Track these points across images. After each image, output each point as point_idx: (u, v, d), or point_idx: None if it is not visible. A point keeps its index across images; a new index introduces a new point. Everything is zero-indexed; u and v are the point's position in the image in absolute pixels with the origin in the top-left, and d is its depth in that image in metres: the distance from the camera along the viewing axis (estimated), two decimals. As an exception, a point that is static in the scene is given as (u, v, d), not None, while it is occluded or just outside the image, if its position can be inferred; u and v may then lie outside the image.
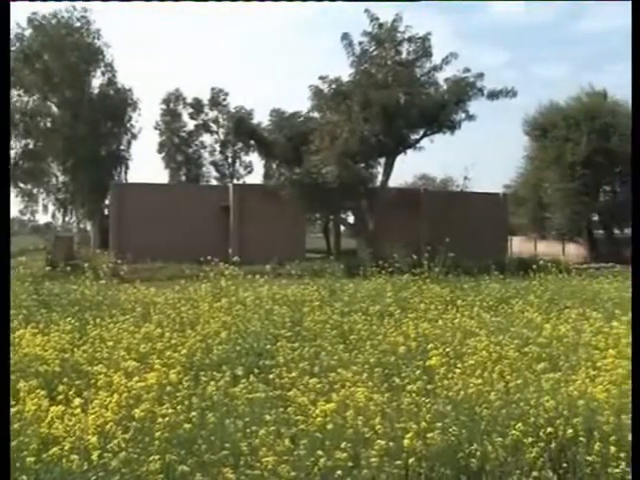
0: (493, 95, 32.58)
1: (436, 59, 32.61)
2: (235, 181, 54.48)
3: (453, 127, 33.10)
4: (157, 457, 5.45)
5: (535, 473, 5.65)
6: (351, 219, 38.44)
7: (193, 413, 6.30)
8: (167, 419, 6.07)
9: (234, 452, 5.67)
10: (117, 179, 48.78)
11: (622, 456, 5.62)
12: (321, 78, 32.97)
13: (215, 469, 5.50)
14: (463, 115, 32.96)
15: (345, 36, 32.54)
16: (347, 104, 31.87)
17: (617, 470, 5.54)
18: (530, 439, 5.90)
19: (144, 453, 5.58)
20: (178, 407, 6.49)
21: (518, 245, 47.87)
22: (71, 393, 6.84)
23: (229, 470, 5.38)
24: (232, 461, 5.59)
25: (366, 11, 31.87)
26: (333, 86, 32.99)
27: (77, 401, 6.33)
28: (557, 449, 6.01)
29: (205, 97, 60.14)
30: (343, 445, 5.62)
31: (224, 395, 6.99)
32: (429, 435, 5.85)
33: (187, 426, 6.03)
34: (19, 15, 49.08)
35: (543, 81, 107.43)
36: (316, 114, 35.10)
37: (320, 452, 5.52)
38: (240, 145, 56.46)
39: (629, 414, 6.21)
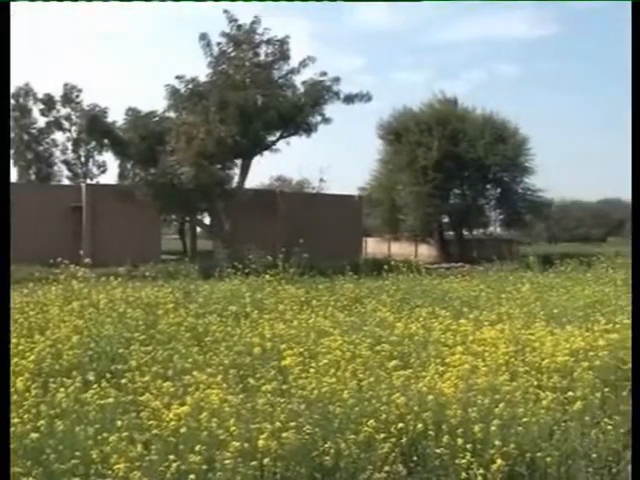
0: (349, 99, 33.11)
1: (294, 62, 32.83)
2: (88, 181, 52.73)
3: (309, 129, 33.44)
4: (1, 469, 5.22)
5: (387, 468, 5.82)
6: (207, 220, 38.13)
7: (41, 422, 6.08)
8: (12, 429, 5.81)
9: (84, 460, 5.51)
10: (-40, 177, 46.28)
11: (468, 447, 5.88)
12: (178, 78, 32.46)
13: (64, 479, 5.33)
14: (319, 118, 33.31)
15: (203, 36, 32.13)
16: (204, 105, 31.53)
17: (464, 461, 5.79)
18: (382, 435, 6.08)
19: (-14, 466, 5.33)
20: (25, 416, 6.22)
21: (372, 246, 48.98)
22: None
23: (79, 479, 5.22)
24: (82, 470, 5.44)
25: (225, 12, 31.65)
26: (190, 86, 32.54)
27: None
28: (408, 443, 6.21)
29: (57, 93, 57.97)
30: (197, 448, 5.58)
31: (74, 402, 6.76)
32: (284, 435, 5.90)
33: (34, 435, 5.82)
34: None
35: (400, 87, 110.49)
36: (172, 114, 34.54)
37: (173, 456, 5.46)
38: (93, 144, 54.68)
39: (474, 407, 6.52)
